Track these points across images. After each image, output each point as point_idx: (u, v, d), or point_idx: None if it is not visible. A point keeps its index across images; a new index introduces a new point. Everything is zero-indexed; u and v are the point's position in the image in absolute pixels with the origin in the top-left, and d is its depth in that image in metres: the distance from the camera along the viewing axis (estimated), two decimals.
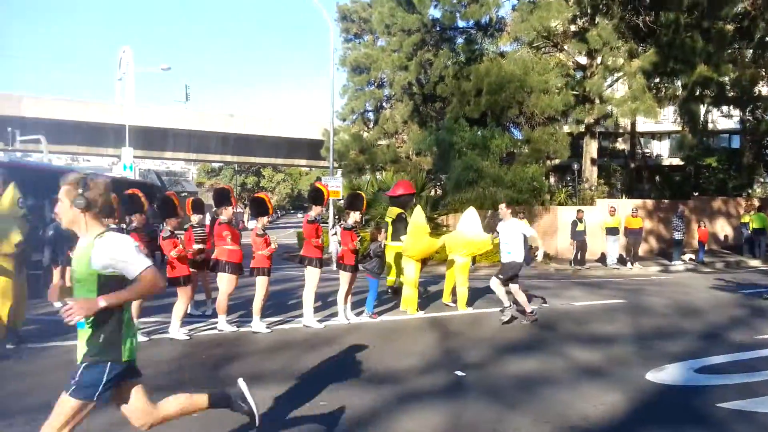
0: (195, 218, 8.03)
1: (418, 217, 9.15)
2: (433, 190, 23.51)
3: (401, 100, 27.31)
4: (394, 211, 10.00)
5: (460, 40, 24.40)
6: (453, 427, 4.38)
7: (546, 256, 18.03)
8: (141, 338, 7.08)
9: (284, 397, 5.10)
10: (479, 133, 20.57)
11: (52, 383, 5.40)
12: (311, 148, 42.47)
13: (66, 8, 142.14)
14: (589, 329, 7.96)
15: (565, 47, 22.49)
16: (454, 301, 9.46)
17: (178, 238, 7.40)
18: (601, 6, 20.49)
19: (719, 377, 5.61)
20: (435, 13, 24.34)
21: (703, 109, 22.40)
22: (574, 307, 9.64)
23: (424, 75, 25.15)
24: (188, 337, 7.29)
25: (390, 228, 9.82)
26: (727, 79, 19.96)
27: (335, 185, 20.89)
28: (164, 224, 7.46)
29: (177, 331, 7.26)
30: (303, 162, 49.77)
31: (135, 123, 33.59)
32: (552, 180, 23.07)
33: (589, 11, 20.83)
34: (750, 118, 23.84)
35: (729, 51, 19.66)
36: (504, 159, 20.79)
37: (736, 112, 26.99)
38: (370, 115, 30.73)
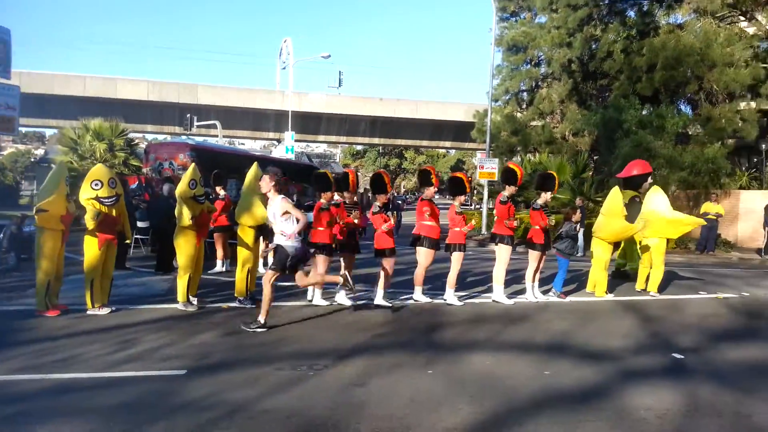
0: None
1: (614, 198, 8.92)
2: (592, 172, 22.53)
3: (559, 78, 26.31)
4: (627, 194, 9.74)
5: (631, 13, 22.92)
6: (692, 405, 4.34)
7: (726, 244, 16.69)
8: (347, 302, 7.76)
9: (505, 364, 5.35)
10: (653, 111, 19.28)
11: (293, 336, 6.18)
12: (456, 130, 42.64)
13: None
14: None
15: (757, 15, 20.25)
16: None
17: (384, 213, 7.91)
18: None
19: None
20: None
21: None
22: None
23: (587, 51, 24.02)
24: (390, 305, 7.82)
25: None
26: None
27: (491, 167, 20.88)
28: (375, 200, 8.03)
29: (381, 299, 7.81)
30: (448, 144, 50.11)
31: (294, 108, 35.83)
32: (734, 162, 21.03)
33: None
34: None
35: None
36: (679, 139, 19.32)
37: None
38: (524, 96, 29.98)
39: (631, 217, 9.13)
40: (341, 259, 8.14)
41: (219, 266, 10.57)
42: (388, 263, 7.79)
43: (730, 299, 8.70)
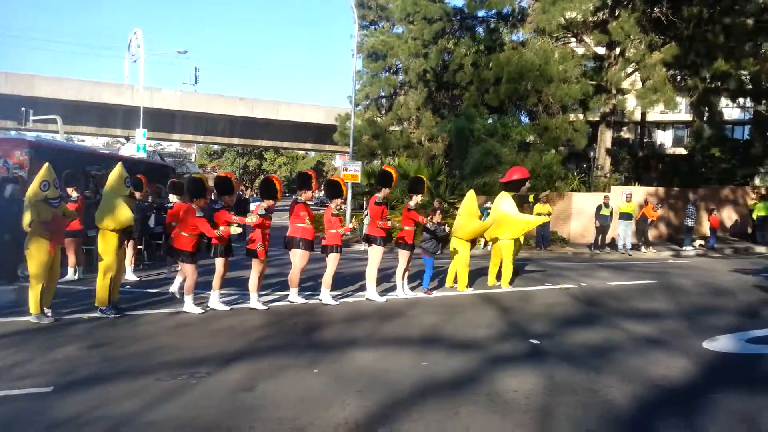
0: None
1: (469, 200, 9.65)
2: (446, 175, 23.97)
3: (416, 87, 27.68)
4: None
5: (480, 29, 24.78)
6: (551, 385, 4.91)
7: (562, 240, 18.69)
8: (224, 308, 7.63)
9: (386, 359, 5.62)
10: (499, 120, 21.04)
11: (169, 344, 5.96)
12: (317, 132, 42.88)
13: None
14: (633, 306, 8.53)
15: (585, 38, 22.92)
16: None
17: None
18: None
19: None
20: (457, 2, 24.74)
21: (719, 101, 22.95)
22: (610, 287, 10.22)
23: (441, 63, 25.53)
24: (266, 308, 7.79)
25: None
26: (746, 72, 20.52)
27: (354, 169, 21.35)
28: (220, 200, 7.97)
29: (256, 302, 7.76)
30: (308, 146, 50.17)
31: (145, 105, 33.74)
32: (567, 167, 23.60)
33: (610, 3, 21.25)
34: (762, 110, 24.44)
35: (749, 45, 20.20)
36: (521, 146, 21.29)
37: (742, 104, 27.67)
38: (384, 101, 31.10)
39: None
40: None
41: (71, 274, 9.76)
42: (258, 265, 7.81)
43: (571, 289, 9.83)
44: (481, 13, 24.24)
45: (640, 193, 19.66)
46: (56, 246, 6.95)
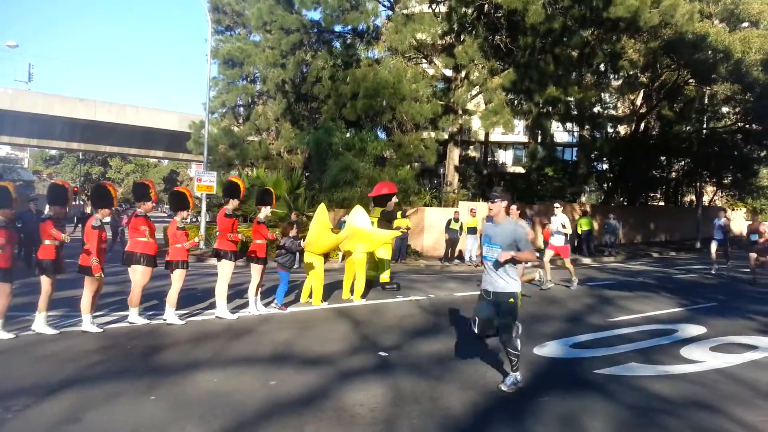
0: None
1: (322, 214, 9.71)
2: (305, 188, 23.97)
3: (274, 97, 27.35)
4: (378, 211, 10.60)
5: (337, 44, 25.11)
6: (397, 396, 5.08)
7: (415, 253, 19.49)
8: (51, 331, 6.93)
9: (232, 380, 5.45)
10: (356, 135, 21.48)
11: None
12: (169, 139, 40.71)
13: None
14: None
15: (435, 60, 24.19)
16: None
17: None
18: (466, 25, 22.40)
19: (589, 351, 6.91)
20: (314, 15, 24.90)
21: (551, 124, 25.39)
22: (455, 297, 10.81)
23: (299, 74, 25.50)
24: (101, 330, 7.19)
25: (376, 226, 10.64)
26: (572, 99, 22.98)
27: (209, 180, 20.57)
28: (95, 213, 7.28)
29: (89, 324, 7.13)
30: (160, 153, 47.36)
31: None
32: (420, 183, 24.71)
33: (456, 28, 22.63)
34: (586, 134, 27.54)
35: (574, 74, 22.63)
36: (377, 161, 21.90)
37: (570, 128, 31.08)
38: (241, 110, 30.32)
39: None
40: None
41: None
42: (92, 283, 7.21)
43: (421, 301, 10.25)
44: (337, 28, 24.60)
45: (484, 208, 21.11)
46: None
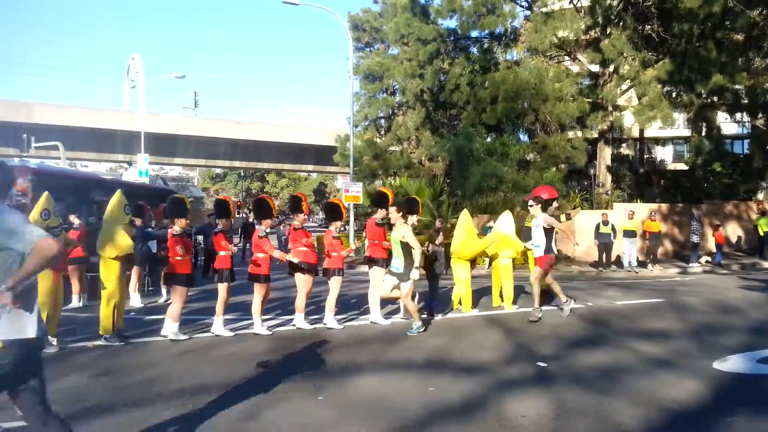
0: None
1: (466, 220, 9.64)
2: (447, 195, 24.02)
3: (413, 107, 27.88)
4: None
5: (474, 50, 25.02)
6: (560, 409, 4.84)
7: (567, 258, 18.62)
8: (228, 334, 7.59)
9: (392, 384, 5.56)
10: (497, 140, 21.15)
11: (173, 373, 5.90)
12: (318, 154, 43.07)
13: (75, 15, 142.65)
14: (641, 325, 8.45)
15: (578, 56, 23.12)
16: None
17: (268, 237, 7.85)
18: (613, 17, 21.15)
19: None
20: (450, 23, 24.99)
21: (717, 115, 23.10)
22: (617, 306, 10.14)
23: (437, 83, 25.74)
24: (270, 333, 7.74)
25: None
26: (741, 87, 20.66)
27: (355, 190, 21.42)
28: (258, 224, 7.93)
29: (260, 327, 7.71)
30: (310, 167, 50.42)
31: (146, 129, 33.94)
32: (568, 185, 23.66)
33: (600, 21, 21.46)
34: (759, 124, 24.57)
35: (741, 60, 20.34)
36: (520, 164, 21.36)
37: (740, 118, 27.88)
38: (383, 122, 31.30)
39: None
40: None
41: (75, 301, 9.73)
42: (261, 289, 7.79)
43: (578, 309, 9.76)
44: (474, 34, 24.49)
45: (643, 209, 19.61)
46: (59, 274, 6.94)
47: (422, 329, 7.68)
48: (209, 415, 4.64)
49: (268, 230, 8.07)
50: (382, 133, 31.06)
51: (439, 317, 9.00)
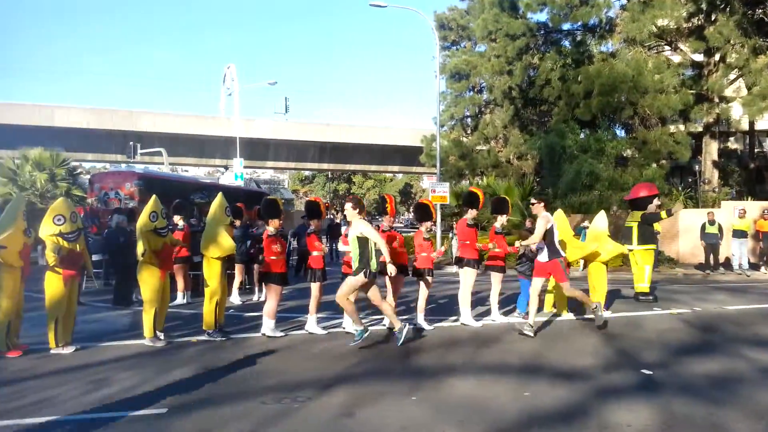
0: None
1: (561, 221, 9.29)
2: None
3: (501, 105, 27.33)
4: (638, 215, 10.20)
5: (566, 43, 24.17)
6: (669, 419, 4.54)
7: (670, 260, 17.55)
8: (321, 331, 7.75)
9: (486, 387, 5.45)
10: (591, 135, 20.30)
11: (271, 368, 6.10)
12: (404, 155, 43.29)
13: (176, 27, 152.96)
14: (755, 332, 7.82)
15: (680, 46, 21.76)
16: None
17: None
18: (718, 2, 19.71)
19: None
20: (540, 17, 24.31)
21: None
22: (728, 311, 9.44)
23: (526, 79, 25.10)
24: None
25: (636, 232, 10.05)
26: None
27: (442, 190, 21.30)
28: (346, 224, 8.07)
29: (351, 325, 7.82)
30: (396, 168, 50.84)
31: (241, 135, 35.53)
32: (670, 182, 22.29)
33: (704, 8, 20.09)
34: None
35: None
36: (617, 161, 20.38)
37: None
38: (469, 121, 30.95)
39: (643, 236, 9.82)
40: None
41: (180, 298, 10.31)
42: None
43: (684, 314, 9.16)
44: (566, 26, 23.63)
45: (754, 207, 18.11)
46: (166, 272, 7.37)
47: (364, 335, 6.81)
48: (306, 411, 4.75)
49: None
50: (469, 132, 30.71)
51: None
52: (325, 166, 48.79)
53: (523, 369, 6.11)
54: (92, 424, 4.39)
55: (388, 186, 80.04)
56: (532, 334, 7.45)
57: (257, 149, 41.45)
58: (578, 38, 23.70)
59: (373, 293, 6.96)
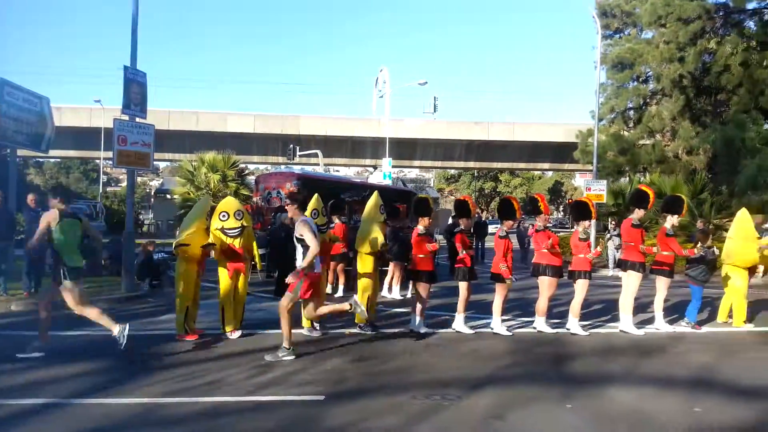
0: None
1: (742, 221, 8.33)
2: (710, 192, 21.11)
3: (670, 95, 25.01)
4: None
5: (751, 23, 21.56)
6: None
7: None
8: (468, 331, 7.69)
9: (650, 400, 5.05)
10: None
11: (420, 364, 6.17)
12: (554, 151, 41.57)
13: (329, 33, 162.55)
14: None
15: None
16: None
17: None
18: None
19: None
20: None
21: None
22: None
23: (700, 66, 22.77)
24: (510, 334, 7.66)
25: None
26: None
27: (598, 188, 20.14)
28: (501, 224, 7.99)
29: (500, 326, 7.68)
30: (546, 165, 48.98)
31: (390, 135, 36.46)
32: None
33: None
34: None
35: None
36: None
37: None
38: (631, 114, 28.76)
39: None
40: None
41: (340, 292, 10.96)
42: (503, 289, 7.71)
43: None
44: (751, 5, 21.02)
45: None
46: (323, 267, 7.75)
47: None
48: (456, 409, 4.74)
49: (508, 231, 7.99)
50: (631, 125, 28.53)
51: (702, 330, 7.94)
52: (471, 164, 48.40)
53: (693, 383, 5.57)
54: (258, 406, 4.77)
55: (537, 184, 77.33)
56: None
57: (405, 149, 42.27)
58: (766, 17, 20.98)
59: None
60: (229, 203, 7.43)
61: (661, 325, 7.99)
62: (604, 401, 5.01)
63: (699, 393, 5.24)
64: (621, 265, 7.98)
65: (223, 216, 7.17)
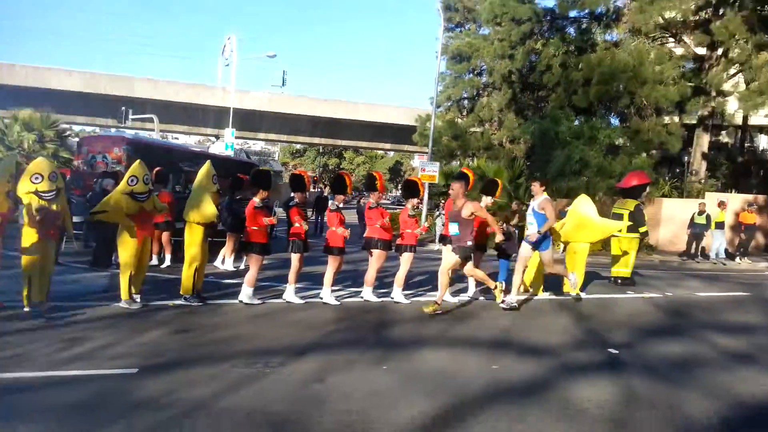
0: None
1: (587, 203, 9.35)
2: (526, 177, 23.43)
3: (500, 88, 27.18)
4: (630, 203, 10.44)
5: (571, 30, 24.07)
6: (629, 397, 4.67)
7: (648, 247, 17.75)
8: (298, 301, 7.83)
9: (456, 360, 5.57)
10: (586, 123, 20.34)
11: (245, 334, 6.18)
12: (396, 132, 43.14)
13: None
14: (722, 318, 8.03)
15: (684, 38, 21.75)
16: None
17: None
18: None
19: None
20: (548, 2, 24.26)
21: None
22: (698, 297, 9.64)
23: (527, 64, 25.00)
24: (338, 303, 7.93)
25: (625, 219, 10.18)
26: None
27: (432, 170, 21.33)
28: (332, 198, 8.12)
29: (329, 296, 7.92)
30: (387, 146, 50.67)
31: (235, 106, 35.18)
32: (657, 172, 22.42)
33: (714, 2, 20.08)
34: None
35: None
36: (608, 149, 20.44)
37: None
38: (465, 103, 30.78)
39: (636, 223, 10.07)
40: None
41: (168, 261, 10.44)
42: (335, 261, 7.95)
43: (655, 298, 9.33)
44: (573, 14, 23.50)
45: (736, 200, 18.37)
46: (144, 236, 7.32)
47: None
48: (277, 375, 4.84)
49: (341, 205, 8.21)
50: (464, 113, 30.56)
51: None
52: (316, 140, 48.53)
53: (494, 344, 6.24)
54: (62, 381, 4.46)
55: (379, 163, 79.81)
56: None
57: (250, 120, 41.11)
58: (584, 26, 23.61)
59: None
60: (42, 164, 6.72)
61: (471, 293, 8.79)
62: (416, 363, 5.43)
63: (498, 353, 5.88)
64: (443, 239, 8.60)
65: (36, 178, 6.50)
